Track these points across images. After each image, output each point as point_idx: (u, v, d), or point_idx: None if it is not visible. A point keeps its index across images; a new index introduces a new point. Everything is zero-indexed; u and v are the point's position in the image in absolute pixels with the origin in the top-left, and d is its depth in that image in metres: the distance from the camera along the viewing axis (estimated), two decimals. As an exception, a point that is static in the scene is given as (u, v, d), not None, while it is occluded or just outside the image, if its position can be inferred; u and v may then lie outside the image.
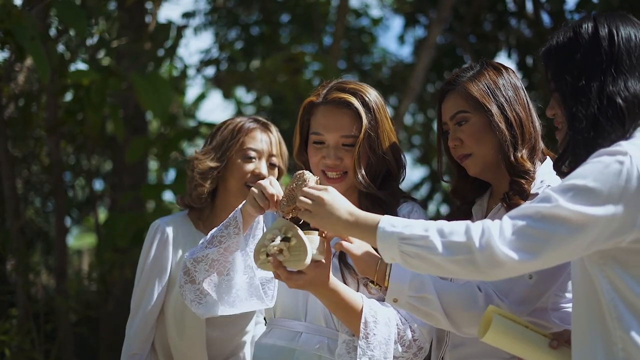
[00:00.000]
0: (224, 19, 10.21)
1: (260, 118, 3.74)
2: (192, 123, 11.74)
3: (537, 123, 3.10)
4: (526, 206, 2.40)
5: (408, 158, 12.32)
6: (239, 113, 11.64)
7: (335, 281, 2.93)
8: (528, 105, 3.08)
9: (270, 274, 3.01)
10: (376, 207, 3.13)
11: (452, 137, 3.07)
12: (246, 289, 3.09)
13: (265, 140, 3.64)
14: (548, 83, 2.60)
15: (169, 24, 7.11)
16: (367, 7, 11.31)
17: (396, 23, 35.59)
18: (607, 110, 2.42)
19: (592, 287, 2.41)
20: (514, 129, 3.01)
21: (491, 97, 3.02)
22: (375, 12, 17.06)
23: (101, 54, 7.23)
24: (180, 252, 3.61)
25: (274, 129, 3.70)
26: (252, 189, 2.94)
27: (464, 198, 3.23)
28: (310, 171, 3.09)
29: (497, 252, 2.34)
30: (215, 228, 3.07)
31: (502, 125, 3.00)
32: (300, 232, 2.81)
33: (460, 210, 3.21)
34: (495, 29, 9.07)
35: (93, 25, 6.85)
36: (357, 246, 2.85)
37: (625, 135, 2.43)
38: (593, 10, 7.49)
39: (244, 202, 3.02)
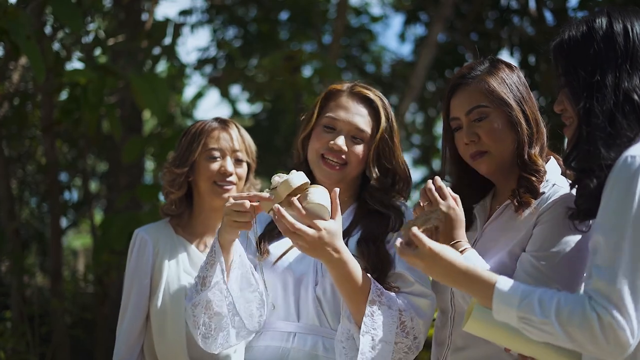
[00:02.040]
0: (221, 17, 10.16)
1: (221, 117, 3.78)
2: (189, 122, 11.68)
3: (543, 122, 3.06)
4: (604, 282, 2.28)
5: (408, 158, 12.39)
6: (235, 112, 11.59)
7: (346, 252, 2.89)
8: (536, 105, 3.05)
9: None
10: (373, 213, 3.17)
11: (467, 132, 2.97)
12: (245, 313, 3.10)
13: (226, 138, 3.68)
14: (557, 78, 2.54)
15: (166, 21, 7.05)
16: (367, 5, 11.25)
17: (397, 21, 35.56)
18: (624, 106, 2.38)
19: None
20: (531, 126, 2.97)
21: (511, 92, 2.97)
22: (376, 10, 17.00)
23: (97, 52, 7.15)
24: (160, 258, 3.67)
25: (234, 125, 3.74)
26: (225, 214, 2.93)
27: (464, 201, 3.06)
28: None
29: (625, 343, 2.27)
30: (200, 268, 3.09)
31: (523, 122, 2.95)
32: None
33: None
34: (498, 26, 9.03)
35: (89, 23, 6.79)
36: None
37: None
38: (596, 7, 7.43)
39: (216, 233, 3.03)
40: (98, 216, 9.40)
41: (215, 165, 3.64)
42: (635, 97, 2.38)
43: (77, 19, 5.41)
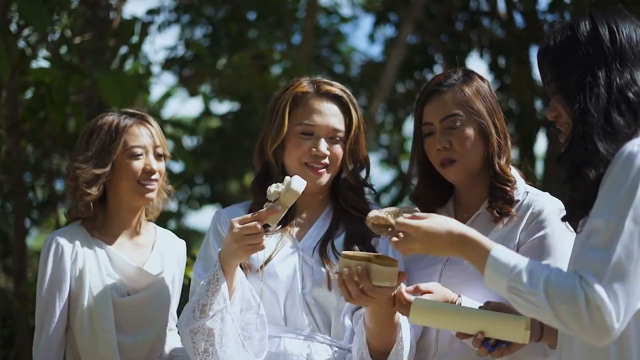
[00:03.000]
0: (190, 16, 10.07)
1: (134, 111, 3.62)
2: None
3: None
4: (598, 262, 2.28)
5: (377, 159, 12.37)
6: (207, 111, 11.50)
7: None
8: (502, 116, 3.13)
9: None
10: (349, 209, 3.21)
11: (440, 139, 3.03)
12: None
13: (147, 134, 3.53)
14: (547, 85, 2.55)
15: (134, 20, 6.98)
16: (337, 5, 11.21)
17: (366, 22, 35.63)
18: (620, 104, 2.40)
19: None
20: (500, 137, 3.05)
21: (484, 103, 3.05)
22: (346, 11, 17.00)
23: (63, 50, 7.06)
24: (79, 264, 3.47)
25: (150, 119, 3.60)
26: (235, 240, 2.89)
27: (424, 204, 3.18)
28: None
29: (609, 326, 2.26)
30: (199, 293, 3.03)
31: (493, 133, 3.03)
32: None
33: None
34: (468, 28, 9.03)
35: (55, 21, 6.69)
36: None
37: (638, 130, 2.40)
38: (565, 10, 7.49)
39: (214, 264, 3.00)
40: (63, 217, 9.27)
41: (139, 164, 3.48)
42: (629, 93, 2.40)
43: (43, 16, 5.33)
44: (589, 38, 2.46)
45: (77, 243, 3.49)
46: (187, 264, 3.71)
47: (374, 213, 2.70)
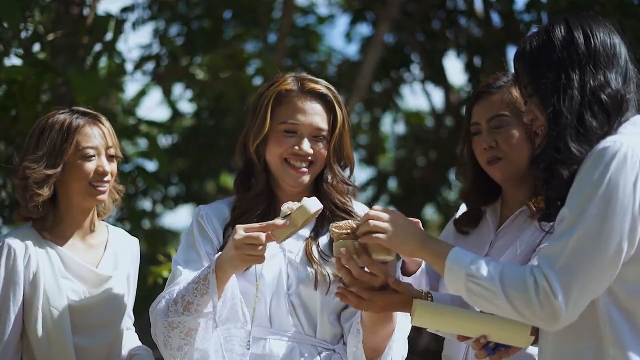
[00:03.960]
0: (164, 14, 10.00)
1: (86, 110, 3.53)
2: (131, 121, 11.49)
3: None
4: (554, 248, 2.39)
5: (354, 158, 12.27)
6: (176, 112, 11.44)
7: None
8: None
9: None
10: (333, 209, 3.20)
11: (486, 138, 3.15)
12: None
13: (99, 134, 3.45)
14: (523, 88, 2.62)
15: (108, 17, 6.90)
16: (313, 4, 11.17)
17: (343, 21, 35.65)
18: (592, 105, 2.47)
19: None
20: None
21: None
22: (322, 10, 16.98)
23: (36, 47, 6.97)
24: (32, 267, 3.38)
25: (103, 118, 3.52)
26: (236, 247, 2.84)
27: (474, 203, 3.34)
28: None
29: (557, 310, 2.36)
30: (186, 287, 2.99)
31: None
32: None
33: (469, 216, 3.33)
34: (444, 27, 9.02)
35: (27, 17, 6.59)
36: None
37: (610, 131, 2.46)
38: (542, 10, 7.53)
39: (209, 265, 2.95)
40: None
41: (91, 165, 3.40)
42: (603, 95, 2.45)
43: (15, 13, 5.29)
44: (564, 41, 2.54)
45: (29, 246, 3.39)
46: (162, 263, 3.63)
47: (336, 224, 2.78)
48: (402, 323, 3.06)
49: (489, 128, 3.16)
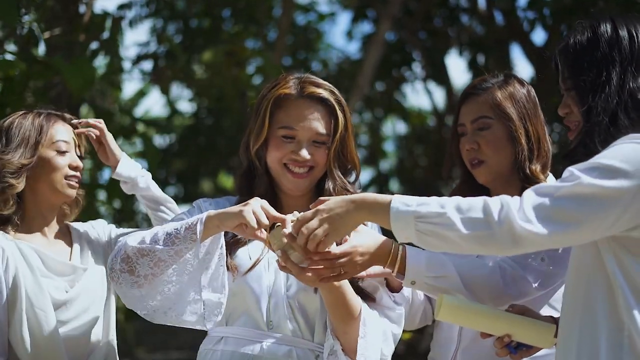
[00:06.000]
0: (162, 11, 9.95)
1: (51, 111, 3.50)
2: (129, 120, 11.47)
3: (549, 142, 3.25)
4: (547, 184, 2.42)
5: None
6: (175, 111, 11.41)
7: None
8: (543, 123, 3.23)
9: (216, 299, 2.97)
10: None
11: (469, 140, 3.17)
12: (188, 303, 2.99)
13: (70, 130, 3.46)
14: (562, 82, 2.61)
15: (105, 14, 6.90)
16: (314, 3, 11.12)
17: (344, 19, 35.71)
18: (628, 106, 2.46)
19: (602, 273, 2.44)
20: (531, 142, 3.14)
21: (515, 107, 3.15)
22: (323, 8, 16.96)
23: (32, 45, 6.93)
24: (11, 270, 3.27)
25: (68, 117, 3.51)
26: (246, 214, 2.79)
27: None
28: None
29: (516, 227, 2.35)
30: (172, 224, 2.95)
31: (522, 138, 3.12)
32: None
33: None
34: (446, 25, 8.99)
35: (24, 15, 6.55)
36: (361, 238, 2.79)
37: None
38: (544, 8, 7.50)
39: (206, 212, 2.89)
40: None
41: (65, 159, 3.37)
42: None
43: (11, 10, 5.27)
44: (609, 40, 2.54)
45: (6, 246, 3.30)
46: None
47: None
48: (377, 322, 3.00)
49: (473, 130, 3.18)
